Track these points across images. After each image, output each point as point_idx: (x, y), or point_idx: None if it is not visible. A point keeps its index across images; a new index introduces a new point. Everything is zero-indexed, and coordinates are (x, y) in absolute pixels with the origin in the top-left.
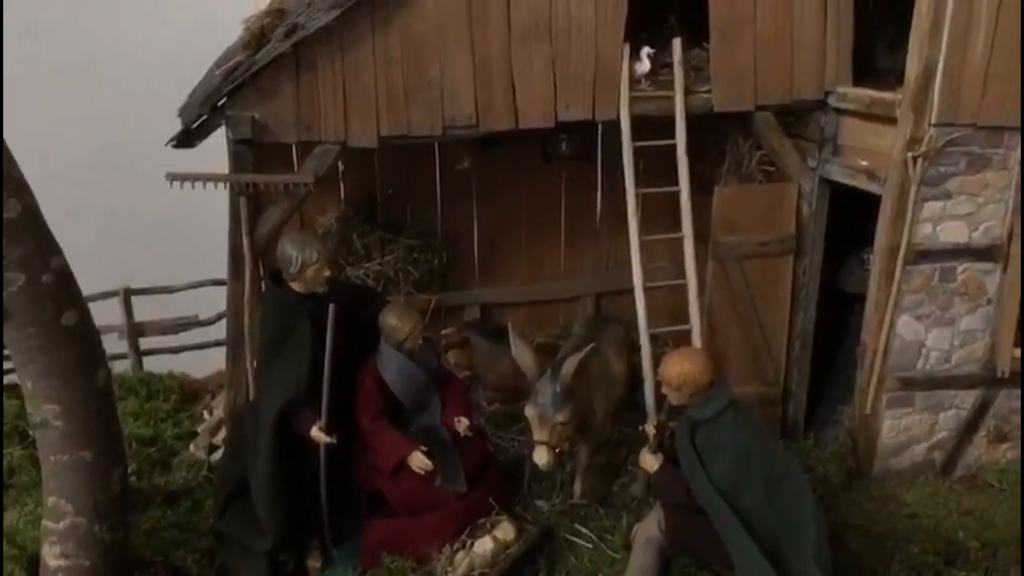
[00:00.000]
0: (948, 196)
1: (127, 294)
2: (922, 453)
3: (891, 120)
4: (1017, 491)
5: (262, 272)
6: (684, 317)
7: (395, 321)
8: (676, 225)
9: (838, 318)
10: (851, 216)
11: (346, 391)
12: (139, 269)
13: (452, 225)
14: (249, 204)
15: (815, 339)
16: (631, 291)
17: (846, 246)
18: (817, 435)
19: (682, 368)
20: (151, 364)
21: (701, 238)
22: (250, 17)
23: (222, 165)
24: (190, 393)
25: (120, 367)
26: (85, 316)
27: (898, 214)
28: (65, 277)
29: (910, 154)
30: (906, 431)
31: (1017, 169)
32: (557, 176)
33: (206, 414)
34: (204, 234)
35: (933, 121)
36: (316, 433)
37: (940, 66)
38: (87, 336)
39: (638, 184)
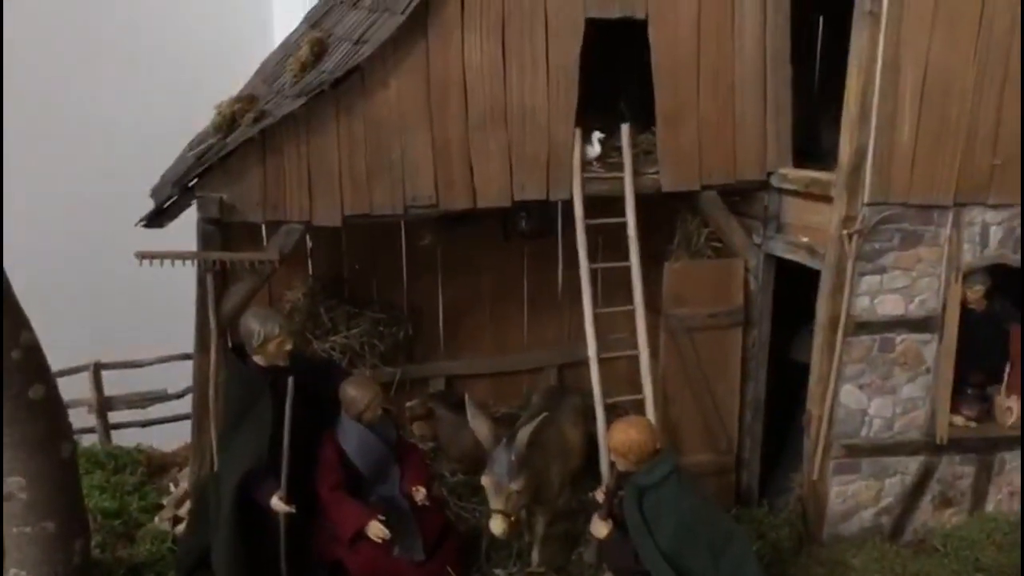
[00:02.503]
0: (884, 271)
1: (97, 368)
2: (870, 518)
3: (828, 199)
4: (962, 555)
5: (228, 345)
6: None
7: (354, 393)
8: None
9: (792, 388)
10: (802, 289)
11: (307, 462)
12: (109, 344)
13: (417, 299)
14: (216, 281)
15: (771, 408)
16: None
17: (798, 318)
18: (771, 502)
19: (628, 436)
20: (119, 438)
21: (657, 310)
22: (222, 102)
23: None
24: (157, 467)
25: (88, 441)
26: (52, 390)
27: (836, 288)
28: (34, 352)
29: (845, 231)
30: (853, 497)
31: (947, 246)
32: (519, 252)
33: (172, 487)
34: (174, 309)
35: (866, 200)
36: (276, 503)
37: (870, 150)
38: (53, 409)
39: (595, 259)
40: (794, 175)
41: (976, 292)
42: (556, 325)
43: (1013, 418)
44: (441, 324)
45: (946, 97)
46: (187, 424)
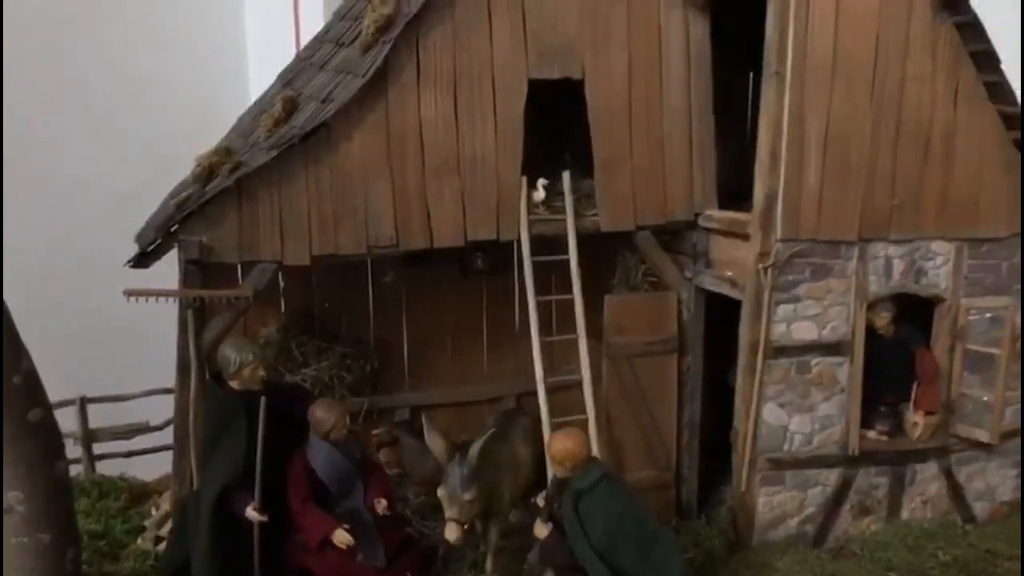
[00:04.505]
0: (798, 300)
1: (83, 402)
2: (795, 526)
3: (747, 236)
4: (877, 557)
5: (206, 375)
6: None
7: (322, 414)
8: (590, 330)
9: (730, 410)
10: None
11: (280, 477)
12: (93, 378)
13: (383, 334)
14: (196, 316)
15: (712, 429)
16: (551, 391)
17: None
18: (708, 515)
19: (564, 445)
20: (104, 468)
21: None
22: (201, 155)
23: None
24: (139, 494)
25: (74, 471)
26: (48, 413)
27: (755, 316)
28: (32, 378)
29: (761, 265)
30: (779, 506)
31: (854, 277)
32: (478, 288)
33: (153, 510)
34: (156, 346)
35: (778, 237)
36: (250, 512)
37: (780, 192)
38: (50, 431)
39: (549, 293)
40: (718, 215)
41: (883, 319)
42: (513, 356)
43: (919, 432)
44: (406, 357)
45: (847, 145)
46: (168, 455)
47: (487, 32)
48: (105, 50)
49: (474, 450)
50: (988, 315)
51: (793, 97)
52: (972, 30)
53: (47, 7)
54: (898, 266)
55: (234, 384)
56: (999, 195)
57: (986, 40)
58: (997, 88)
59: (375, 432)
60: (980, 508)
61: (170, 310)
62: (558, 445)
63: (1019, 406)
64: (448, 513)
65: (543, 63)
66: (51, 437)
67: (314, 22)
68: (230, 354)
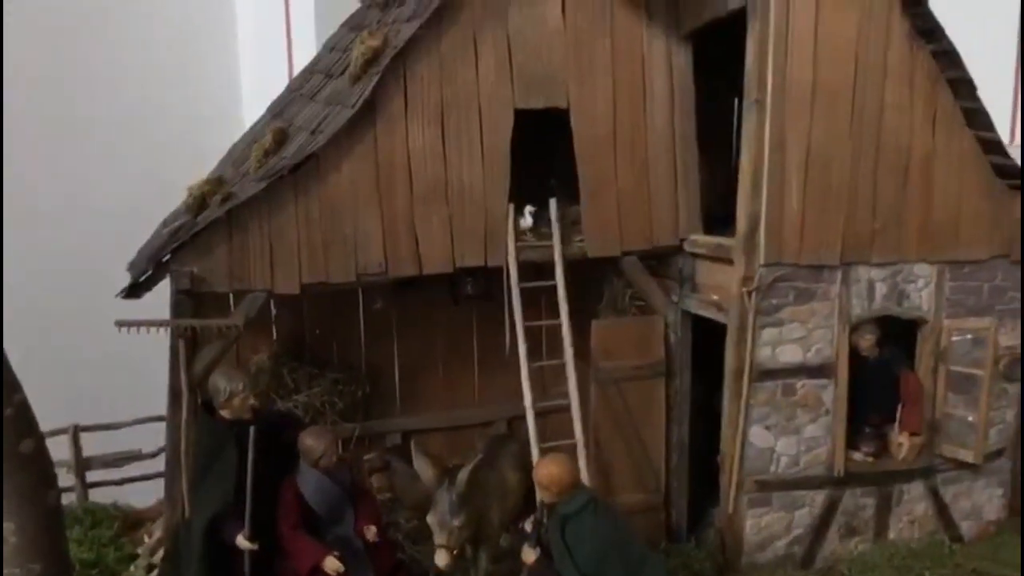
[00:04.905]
0: (782, 323)
1: (76, 431)
2: (783, 548)
3: (731, 261)
4: None
5: (198, 403)
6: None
7: (311, 442)
8: (578, 354)
9: (718, 433)
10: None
11: (270, 504)
12: (86, 407)
13: (375, 360)
14: (187, 345)
15: (700, 452)
16: (541, 415)
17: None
18: (698, 537)
19: (549, 470)
20: (96, 495)
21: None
22: (193, 184)
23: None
24: (132, 522)
25: (66, 499)
26: (40, 444)
27: (740, 339)
28: (24, 410)
29: (745, 289)
30: (767, 528)
31: (837, 300)
32: (469, 313)
33: (146, 538)
34: (149, 374)
35: (762, 262)
36: (241, 541)
37: (763, 217)
38: (42, 461)
39: (539, 318)
40: (703, 240)
41: (868, 341)
42: (504, 381)
43: (904, 452)
44: (397, 382)
45: (827, 171)
46: (161, 482)
47: (473, 64)
48: (98, 78)
49: (462, 476)
50: (970, 336)
51: (774, 125)
52: (948, 58)
53: (42, 33)
54: (881, 289)
55: (224, 413)
56: (979, 218)
57: (962, 68)
58: (974, 114)
59: (366, 457)
60: (967, 527)
61: (162, 339)
62: (543, 470)
63: (1003, 426)
64: (437, 539)
65: (529, 93)
66: (43, 468)
67: (307, 51)
68: (220, 383)
